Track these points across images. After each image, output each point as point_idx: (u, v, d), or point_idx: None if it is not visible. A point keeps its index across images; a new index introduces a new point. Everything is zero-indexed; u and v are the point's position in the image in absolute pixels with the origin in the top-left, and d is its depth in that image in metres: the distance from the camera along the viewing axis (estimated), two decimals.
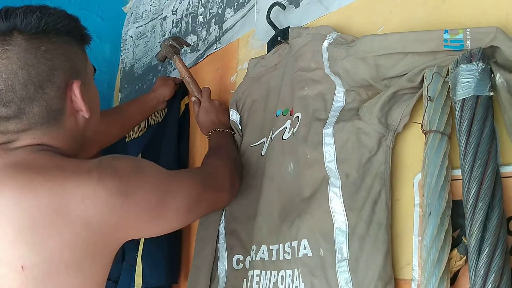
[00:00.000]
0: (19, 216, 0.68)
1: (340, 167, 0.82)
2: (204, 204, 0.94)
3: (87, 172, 0.73)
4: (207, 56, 1.48)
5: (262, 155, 1.09)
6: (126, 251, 1.40)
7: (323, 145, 0.85)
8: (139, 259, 1.31)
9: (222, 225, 1.10)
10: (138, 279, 1.30)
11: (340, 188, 0.81)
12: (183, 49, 1.48)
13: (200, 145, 1.39)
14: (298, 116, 0.95)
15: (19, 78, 0.76)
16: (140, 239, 1.31)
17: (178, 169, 1.37)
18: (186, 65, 1.39)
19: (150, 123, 1.61)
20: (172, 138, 1.42)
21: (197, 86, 1.34)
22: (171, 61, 1.42)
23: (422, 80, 0.75)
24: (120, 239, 0.78)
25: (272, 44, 1.14)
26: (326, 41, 0.92)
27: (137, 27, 2.08)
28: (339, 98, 0.89)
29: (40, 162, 0.74)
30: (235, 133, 1.20)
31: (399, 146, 0.81)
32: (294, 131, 0.95)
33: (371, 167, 0.79)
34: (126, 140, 1.68)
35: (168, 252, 1.29)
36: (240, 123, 1.21)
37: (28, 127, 0.78)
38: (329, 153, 0.84)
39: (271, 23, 1.14)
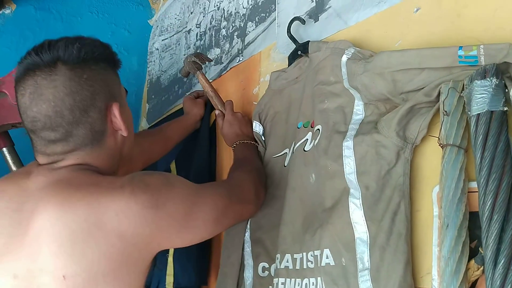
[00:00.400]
0: (60, 230, 0.75)
1: (360, 179, 0.85)
2: (231, 215, 0.98)
3: (120, 188, 0.79)
4: (230, 68, 1.53)
5: (285, 166, 1.12)
6: (158, 256, 1.46)
7: (343, 158, 0.88)
8: (170, 259, 1.37)
9: (247, 234, 1.14)
10: (169, 278, 1.36)
11: (361, 199, 0.83)
12: (205, 64, 1.53)
13: (226, 156, 1.44)
14: (319, 129, 0.98)
15: (66, 104, 0.83)
16: None
17: (209, 175, 1.44)
18: (208, 79, 1.45)
19: None
20: (204, 146, 1.48)
21: (220, 99, 1.39)
22: (194, 76, 1.47)
23: (439, 95, 0.77)
24: (153, 250, 0.83)
25: (293, 57, 1.18)
26: (344, 55, 0.95)
27: (162, 40, 2.14)
28: (358, 111, 0.92)
29: (79, 180, 0.81)
30: (258, 144, 1.24)
31: (417, 158, 0.83)
32: (315, 143, 0.98)
33: (390, 179, 0.82)
34: None
35: (198, 254, 1.34)
36: (263, 134, 1.25)
37: (73, 149, 0.85)
38: (349, 165, 0.87)
39: (291, 37, 1.18)
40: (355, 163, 0.86)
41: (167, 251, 1.38)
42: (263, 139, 1.24)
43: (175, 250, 1.36)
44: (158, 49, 2.18)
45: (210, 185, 1.00)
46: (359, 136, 0.87)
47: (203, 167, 1.45)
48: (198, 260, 1.34)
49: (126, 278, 0.79)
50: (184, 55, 1.89)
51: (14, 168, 1.44)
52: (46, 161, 0.86)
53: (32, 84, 0.84)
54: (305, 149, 1.02)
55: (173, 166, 1.60)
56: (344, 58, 0.95)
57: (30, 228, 0.77)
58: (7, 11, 2.09)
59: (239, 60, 1.49)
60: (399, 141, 0.81)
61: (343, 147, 0.89)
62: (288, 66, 1.19)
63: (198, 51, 1.78)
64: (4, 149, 1.42)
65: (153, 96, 2.15)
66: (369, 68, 0.88)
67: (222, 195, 0.95)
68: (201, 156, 1.47)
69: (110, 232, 0.76)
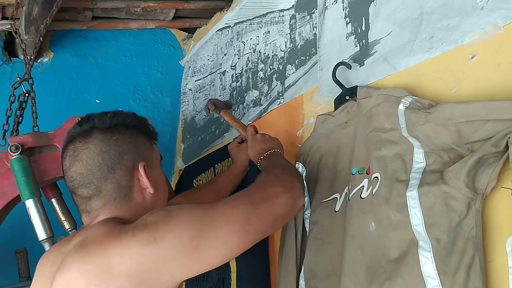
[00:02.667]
0: (79, 279, 0.81)
1: (430, 231, 0.84)
2: (256, 220, 0.93)
3: (125, 233, 0.84)
4: (271, 110, 1.54)
5: (336, 211, 1.12)
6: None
7: (409, 208, 0.87)
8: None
9: (302, 282, 1.13)
10: None
11: (432, 252, 0.82)
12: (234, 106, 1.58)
13: None
14: (377, 177, 0.98)
15: (96, 162, 0.94)
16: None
17: None
18: (246, 121, 1.48)
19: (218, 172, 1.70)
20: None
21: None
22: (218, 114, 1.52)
23: (507, 145, 0.76)
24: (167, 282, 0.83)
25: (339, 101, 1.18)
26: (401, 104, 0.96)
27: (195, 81, 2.18)
28: (419, 159, 0.92)
29: (98, 232, 0.87)
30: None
31: (486, 207, 0.82)
32: (373, 191, 0.98)
33: (461, 231, 0.80)
34: None
35: None
36: (305, 177, 1.24)
37: (104, 203, 0.95)
38: (416, 216, 0.86)
39: (337, 82, 1.19)
40: (422, 214, 0.86)
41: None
42: (305, 183, 1.24)
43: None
44: (191, 90, 2.22)
45: (224, 200, 0.98)
46: (424, 187, 0.86)
47: None
48: None
49: None
50: (220, 95, 1.92)
51: (62, 217, 1.47)
52: (88, 220, 0.96)
53: (72, 148, 0.97)
54: (362, 196, 1.02)
55: None
56: (402, 107, 0.95)
57: (55, 284, 0.84)
58: (45, 60, 2.16)
59: (280, 103, 1.50)
60: (469, 192, 0.80)
61: (407, 197, 0.88)
62: (335, 110, 1.20)
63: (234, 92, 1.81)
64: (53, 200, 1.45)
65: (188, 136, 2.18)
66: (431, 119, 0.88)
67: (237, 205, 0.93)
68: None
69: (118, 275, 0.80)
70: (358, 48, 1.19)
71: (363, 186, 1.03)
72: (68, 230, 1.46)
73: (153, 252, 0.81)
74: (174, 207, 0.91)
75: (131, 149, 0.98)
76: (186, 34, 2.39)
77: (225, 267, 1.51)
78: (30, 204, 1.27)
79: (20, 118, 1.52)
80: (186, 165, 2.11)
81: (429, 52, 0.99)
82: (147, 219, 0.85)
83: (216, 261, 0.88)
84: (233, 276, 1.47)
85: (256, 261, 1.41)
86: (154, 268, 0.81)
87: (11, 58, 2.06)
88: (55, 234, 1.38)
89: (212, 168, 1.76)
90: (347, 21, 1.24)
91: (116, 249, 0.81)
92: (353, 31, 1.22)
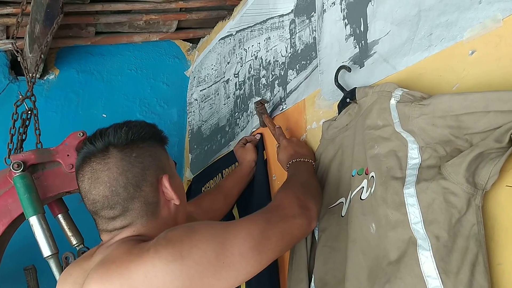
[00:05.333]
0: None
1: (429, 229, 0.80)
2: (274, 239, 0.92)
3: (146, 251, 0.80)
4: (274, 117, 1.52)
5: (342, 216, 1.09)
6: None
7: (407, 206, 0.84)
8: None
9: None
10: None
11: (431, 251, 0.79)
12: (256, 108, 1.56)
13: None
14: (373, 176, 0.95)
15: (120, 183, 0.90)
16: None
17: None
18: (254, 126, 1.46)
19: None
20: (263, 184, 1.46)
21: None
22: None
23: (510, 140, 0.73)
24: None
25: (342, 105, 1.16)
26: (393, 98, 0.93)
27: (201, 90, 2.18)
28: (413, 154, 0.89)
29: (118, 251, 0.84)
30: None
31: (493, 207, 0.79)
32: (371, 191, 0.95)
33: (462, 228, 0.77)
34: None
35: None
36: None
37: (130, 222, 0.91)
38: (414, 214, 0.83)
39: (339, 86, 1.16)
40: (420, 211, 0.83)
41: None
42: None
43: None
44: (197, 100, 2.21)
45: (243, 218, 0.97)
46: (422, 183, 0.83)
47: (263, 204, 1.44)
48: None
49: None
50: (224, 104, 1.91)
51: (69, 233, 1.46)
52: (107, 238, 0.93)
53: (89, 170, 0.92)
54: (362, 198, 0.99)
55: (235, 211, 1.59)
56: (393, 101, 0.93)
57: None
58: (51, 77, 2.18)
59: (283, 108, 1.48)
60: (469, 187, 0.77)
61: (405, 195, 0.85)
62: (338, 114, 1.18)
63: (238, 100, 1.80)
64: (60, 215, 1.45)
65: (195, 146, 2.17)
66: (427, 112, 0.85)
67: (255, 222, 0.92)
68: (261, 195, 1.45)
69: None
70: (357, 50, 1.17)
71: (363, 187, 1.00)
72: (75, 245, 1.45)
73: (180, 268, 0.78)
74: (195, 223, 0.89)
75: (152, 163, 0.95)
76: (190, 44, 2.40)
77: None
78: (34, 221, 1.27)
79: (24, 135, 1.53)
80: (194, 175, 2.10)
81: (428, 50, 0.96)
82: (168, 235, 0.82)
83: (239, 279, 0.86)
84: (242, 286, 1.45)
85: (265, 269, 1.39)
86: (182, 285, 0.78)
87: (18, 77, 2.09)
88: (63, 249, 1.38)
89: (220, 174, 1.75)
90: (345, 22, 1.22)
91: (139, 268, 0.78)
92: (352, 33, 1.20)
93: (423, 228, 0.82)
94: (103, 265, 0.82)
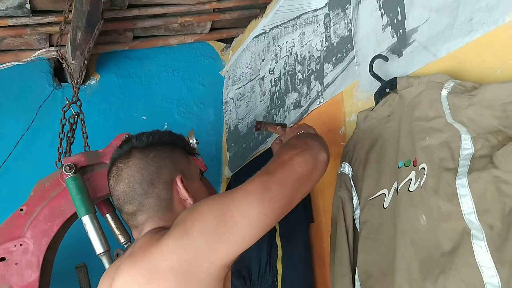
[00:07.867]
0: (130, 282, 0.89)
1: (482, 219, 0.80)
2: (275, 187, 0.92)
3: (162, 235, 0.90)
4: (312, 111, 1.53)
5: (384, 207, 1.09)
6: None
7: (459, 197, 0.84)
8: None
9: (357, 284, 1.11)
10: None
11: (485, 240, 0.78)
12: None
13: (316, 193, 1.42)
14: (424, 168, 0.95)
15: (136, 179, 1.02)
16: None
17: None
18: (289, 123, 1.49)
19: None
20: None
21: None
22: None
23: None
24: (209, 269, 0.85)
25: (379, 95, 1.16)
26: (444, 89, 0.92)
27: (236, 89, 2.20)
28: (466, 145, 0.88)
29: (143, 241, 0.95)
30: (341, 185, 1.21)
31: None
32: (421, 183, 0.95)
33: None
34: None
35: None
36: (353, 177, 1.21)
37: (148, 216, 1.01)
38: (467, 204, 0.83)
39: (375, 75, 1.16)
40: (473, 201, 0.82)
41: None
42: (352, 183, 1.21)
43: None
44: (232, 99, 2.24)
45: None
46: (474, 173, 0.83)
47: None
48: None
49: None
50: (260, 101, 1.93)
51: (117, 231, 1.51)
52: (137, 234, 1.03)
53: (115, 170, 1.05)
54: (410, 190, 0.99)
55: None
56: (444, 92, 0.92)
57: None
58: (93, 82, 2.26)
59: (320, 102, 1.49)
60: None
61: (457, 186, 0.85)
62: (375, 105, 1.17)
63: (274, 97, 1.81)
64: (108, 215, 1.50)
65: (232, 144, 2.20)
66: (475, 102, 0.84)
67: (253, 179, 0.93)
68: None
69: (163, 271, 0.85)
70: (395, 39, 1.16)
71: (411, 179, 0.99)
72: (123, 243, 1.50)
73: (187, 243, 0.86)
74: (199, 202, 0.94)
75: (168, 164, 1.05)
76: (224, 44, 2.43)
77: (276, 270, 1.52)
78: (86, 220, 1.33)
79: (72, 139, 1.59)
80: (233, 173, 2.13)
81: (469, 35, 0.95)
82: (177, 219, 0.91)
83: (247, 238, 0.88)
84: (279, 278, 1.49)
85: (300, 264, 1.45)
86: (193, 257, 0.85)
87: (61, 84, 2.17)
88: (112, 247, 1.43)
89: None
90: (382, 12, 1.22)
91: (157, 249, 0.88)
92: (389, 22, 1.19)
93: (476, 218, 0.81)
94: (132, 254, 0.92)
